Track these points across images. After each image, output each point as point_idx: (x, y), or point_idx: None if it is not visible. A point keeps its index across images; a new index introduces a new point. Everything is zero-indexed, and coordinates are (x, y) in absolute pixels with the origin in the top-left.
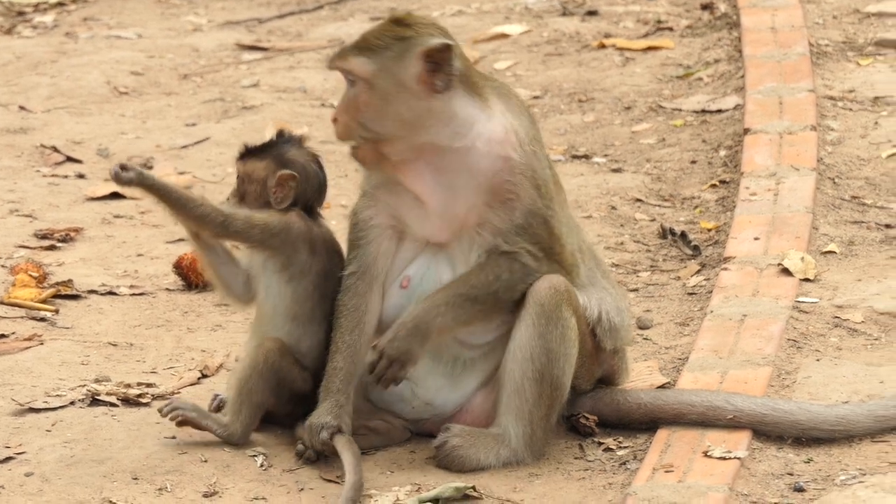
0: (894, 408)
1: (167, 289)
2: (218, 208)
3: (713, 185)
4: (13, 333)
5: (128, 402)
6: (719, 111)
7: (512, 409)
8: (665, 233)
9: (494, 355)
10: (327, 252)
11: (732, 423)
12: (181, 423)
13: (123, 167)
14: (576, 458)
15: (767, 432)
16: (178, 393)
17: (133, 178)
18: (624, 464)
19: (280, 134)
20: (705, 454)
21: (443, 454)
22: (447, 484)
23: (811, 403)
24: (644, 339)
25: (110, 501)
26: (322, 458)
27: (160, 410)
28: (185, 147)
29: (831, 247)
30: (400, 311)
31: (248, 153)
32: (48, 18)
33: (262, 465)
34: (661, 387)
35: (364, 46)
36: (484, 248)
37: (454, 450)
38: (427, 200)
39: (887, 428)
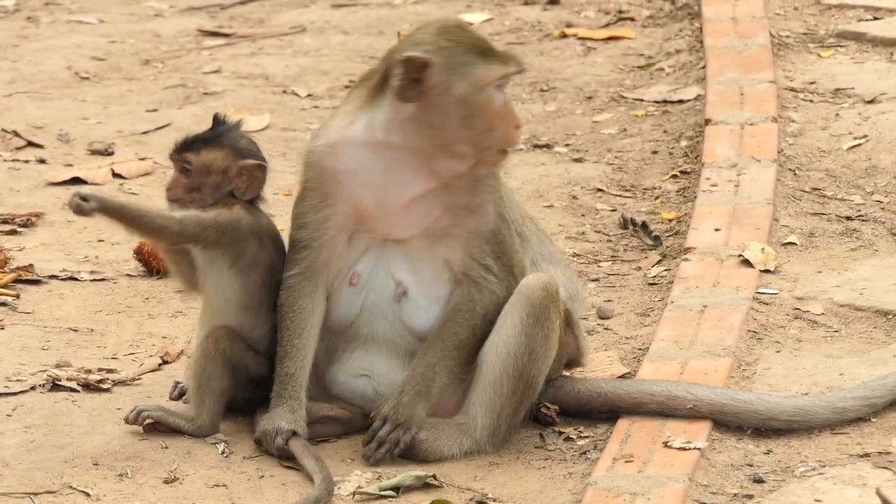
0: (853, 399)
1: (128, 274)
2: (172, 216)
3: (674, 176)
4: None
5: (88, 387)
6: (680, 102)
7: (484, 401)
8: (626, 223)
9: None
10: (273, 243)
11: (692, 413)
12: (149, 428)
13: (84, 198)
14: (536, 448)
15: (727, 422)
16: (139, 379)
17: (96, 208)
18: (584, 453)
19: (219, 120)
20: (665, 444)
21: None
22: (408, 472)
23: (770, 394)
24: (605, 328)
25: (71, 487)
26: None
27: (126, 419)
28: (146, 133)
29: (792, 238)
30: (350, 308)
31: (197, 143)
32: (9, 3)
33: (222, 452)
34: (622, 377)
35: None
36: (452, 248)
37: (420, 443)
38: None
39: (846, 420)
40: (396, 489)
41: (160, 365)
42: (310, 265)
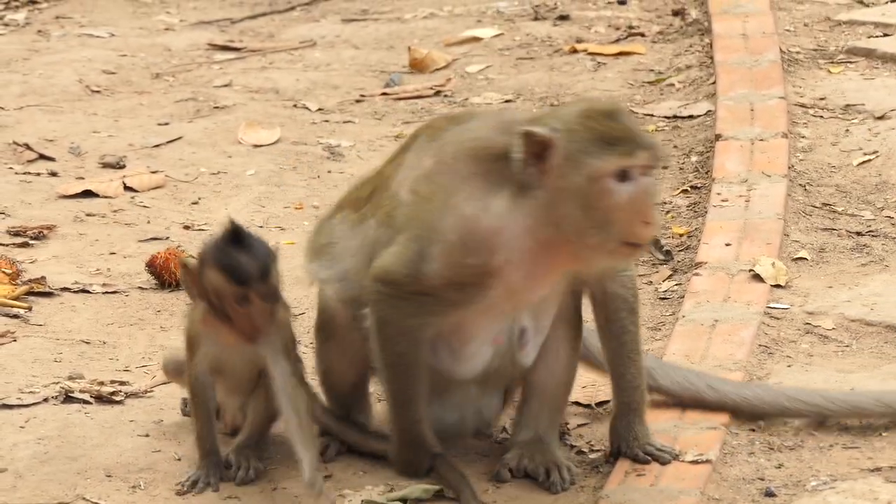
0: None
1: (140, 287)
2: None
3: (685, 191)
4: None
5: (101, 399)
6: (691, 117)
7: (555, 422)
8: None
9: None
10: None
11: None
12: None
13: None
14: None
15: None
16: (152, 392)
17: None
18: (596, 467)
19: (242, 230)
20: (677, 458)
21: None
22: (416, 484)
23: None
24: None
25: (84, 499)
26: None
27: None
28: (157, 146)
29: (802, 253)
30: (479, 362)
31: (266, 267)
32: (20, 16)
33: None
34: None
35: None
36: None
37: (564, 467)
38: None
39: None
40: (404, 500)
41: None
42: (424, 325)
